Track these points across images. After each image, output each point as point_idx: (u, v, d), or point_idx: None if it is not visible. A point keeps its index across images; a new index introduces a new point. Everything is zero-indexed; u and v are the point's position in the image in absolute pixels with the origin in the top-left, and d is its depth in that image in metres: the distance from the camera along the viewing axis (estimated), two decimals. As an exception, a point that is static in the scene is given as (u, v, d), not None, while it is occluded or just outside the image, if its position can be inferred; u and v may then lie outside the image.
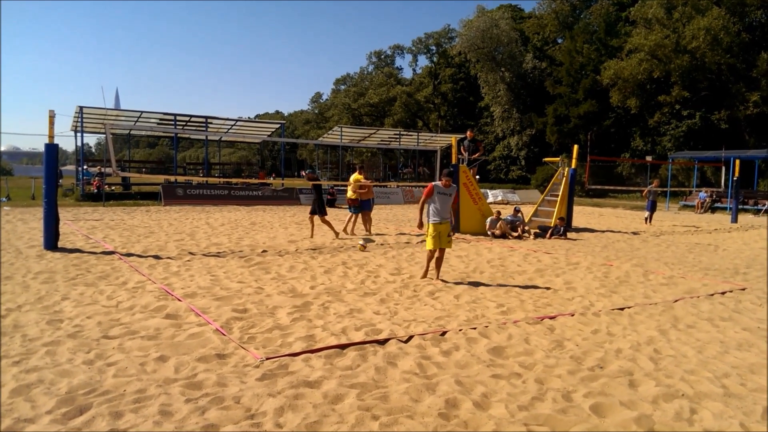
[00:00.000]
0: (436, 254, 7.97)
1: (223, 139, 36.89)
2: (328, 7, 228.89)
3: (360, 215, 13.93)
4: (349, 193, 13.85)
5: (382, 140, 39.08)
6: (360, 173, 13.99)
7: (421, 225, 8.12)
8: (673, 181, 33.54)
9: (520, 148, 49.20)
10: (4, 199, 23.15)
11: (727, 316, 6.47)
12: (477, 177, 16.24)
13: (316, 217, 12.80)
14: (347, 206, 14.35)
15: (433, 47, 64.33)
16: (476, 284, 7.85)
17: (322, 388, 4.01)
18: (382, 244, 11.96)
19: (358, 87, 68.60)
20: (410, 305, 6.57)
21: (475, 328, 5.58)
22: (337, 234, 12.83)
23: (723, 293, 7.74)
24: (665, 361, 4.84)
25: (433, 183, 7.95)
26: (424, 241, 12.49)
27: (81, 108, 24.73)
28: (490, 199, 28.96)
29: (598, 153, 40.07)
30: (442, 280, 7.97)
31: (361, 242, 11.01)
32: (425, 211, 8.04)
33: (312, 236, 12.80)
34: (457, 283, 7.84)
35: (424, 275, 8.10)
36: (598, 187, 25.41)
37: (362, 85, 69.09)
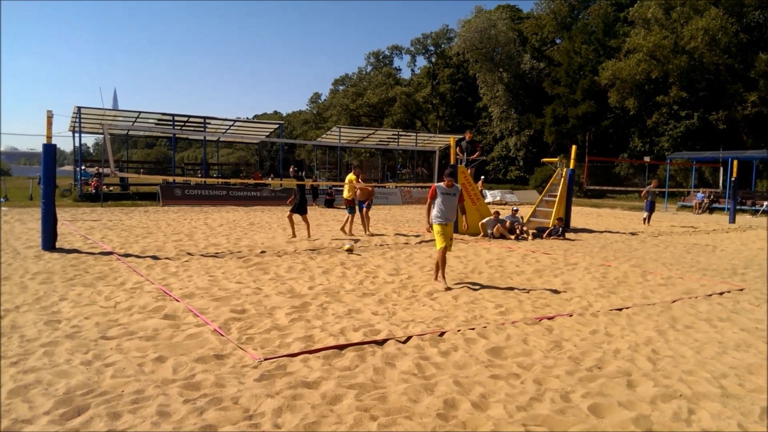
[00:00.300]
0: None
1: (221, 139, 36.85)
2: (327, 8, 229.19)
3: (360, 215, 13.93)
4: (345, 194, 13.85)
5: (380, 141, 39.08)
6: (354, 173, 13.97)
7: (430, 228, 7.86)
8: (672, 181, 33.60)
9: (519, 149, 49.21)
10: (2, 199, 23.12)
11: (725, 316, 6.48)
12: (482, 178, 16.24)
13: (306, 215, 12.73)
14: (345, 206, 14.34)
15: (432, 48, 64.38)
16: (475, 285, 7.85)
17: (321, 389, 4.01)
18: (380, 245, 11.96)
19: (357, 87, 68.60)
20: (409, 306, 6.57)
21: (473, 329, 5.58)
22: (293, 236, 12.60)
23: (721, 294, 7.75)
24: (663, 361, 4.84)
25: (436, 184, 7.81)
26: (423, 242, 12.60)
27: (79, 108, 24.69)
28: (489, 200, 28.98)
29: (597, 153, 40.09)
30: (438, 280, 7.88)
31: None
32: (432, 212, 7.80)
33: (309, 236, 12.76)
34: (455, 284, 7.84)
35: (440, 278, 7.74)
36: (597, 187, 25.41)
37: (361, 85, 69.09)
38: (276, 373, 4.29)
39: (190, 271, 8.37)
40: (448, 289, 7.47)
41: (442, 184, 7.75)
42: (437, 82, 60.78)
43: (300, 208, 12.58)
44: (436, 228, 7.66)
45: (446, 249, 7.69)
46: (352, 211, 13.77)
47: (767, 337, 5.66)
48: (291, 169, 13.75)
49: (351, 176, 13.85)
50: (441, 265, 7.73)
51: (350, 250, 10.68)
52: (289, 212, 12.76)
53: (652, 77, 36.43)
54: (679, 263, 10.50)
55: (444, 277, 7.71)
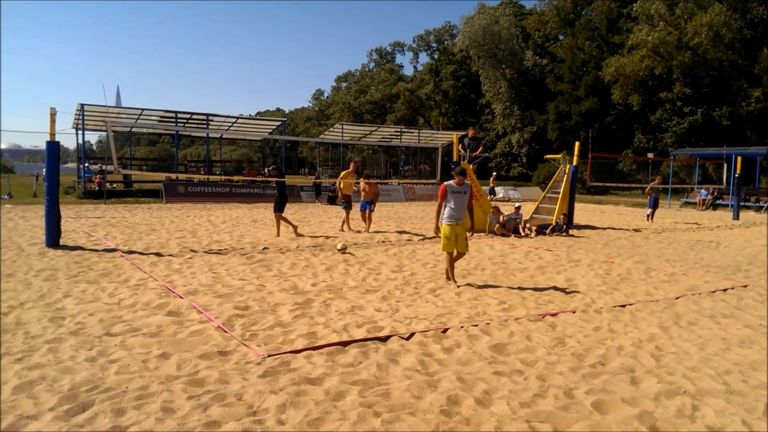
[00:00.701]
0: (455, 255, 7.55)
1: (224, 136, 36.91)
2: (330, 5, 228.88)
3: (362, 214, 13.87)
4: (344, 187, 13.77)
5: (383, 137, 39.03)
6: (352, 169, 13.83)
7: (438, 230, 7.54)
8: (675, 178, 33.50)
9: (522, 145, 49.14)
10: (5, 196, 23.18)
11: (729, 313, 6.47)
12: (494, 174, 16.14)
13: (280, 213, 12.50)
14: (340, 202, 14.22)
15: (434, 44, 64.26)
16: (477, 281, 7.84)
17: (324, 385, 4.01)
18: (383, 242, 11.96)
19: (360, 84, 68.50)
20: (411, 302, 6.58)
21: (476, 325, 5.58)
22: (277, 235, 12.35)
23: (725, 290, 7.73)
24: (667, 358, 4.84)
25: (446, 183, 7.49)
26: (426, 239, 12.59)
27: (82, 105, 24.71)
28: (494, 196, 28.97)
29: (600, 150, 39.99)
30: (457, 283, 7.59)
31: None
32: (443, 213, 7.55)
33: (296, 233, 12.51)
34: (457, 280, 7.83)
35: (452, 279, 7.56)
36: (600, 184, 25.37)
37: (363, 82, 68.99)
38: (279, 370, 4.29)
39: (194, 268, 8.39)
40: (454, 283, 7.44)
41: (452, 182, 7.47)
42: (440, 78, 60.69)
43: (280, 206, 12.33)
44: (445, 230, 7.42)
45: (452, 254, 7.48)
46: (346, 207, 13.69)
47: (771, 333, 5.64)
48: (266, 170, 13.36)
49: (344, 172, 13.85)
50: (449, 268, 7.57)
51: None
52: (275, 213, 12.47)
53: (655, 73, 36.29)
54: (682, 260, 10.48)
55: (453, 278, 7.57)
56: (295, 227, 12.61)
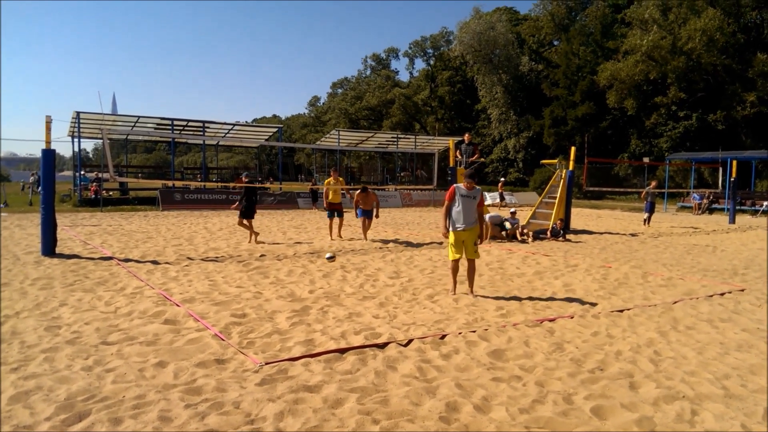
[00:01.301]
0: (466, 265, 7.24)
1: (220, 143, 36.87)
2: (325, 11, 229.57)
3: (362, 223, 13.71)
4: (331, 197, 13.53)
5: (379, 143, 39.14)
6: (333, 176, 13.53)
7: (446, 233, 7.22)
8: (671, 182, 33.61)
9: (518, 151, 49.26)
10: (1, 205, 23.10)
11: (727, 317, 6.47)
12: (502, 180, 16.03)
13: (251, 220, 12.46)
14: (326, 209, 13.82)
15: (430, 50, 64.49)
16: (475, 287, 7.81)
17: (322, 393, 4.00)
18: (380, 248, 11.95)
19: (356, 90, 68.68)
20: (409, 309, 6.56)
21: (474, 331, 5.57)
22: (256, 239, 12.32)
23: (722, 294, 7.74)
24: (665, 362, 4.83)
25: (455, 185, 7.17)
26: (423, 245, 12.58)
27: (78, 113, 24.69)
28: (488, 202, 28.99)
29: (596, 155, 40.09)
30: (475, 294, 7.29)
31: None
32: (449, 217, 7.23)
33: (252, 241, 12.36)
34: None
35: (453, 290, 7.31)
36: (596, 188, 25.46)
37: (359, 88, 69.15)
38: (277, 378, 4.27)
39: (191, 276, 8.36)
40: (454, 293, 7.30)
41: (461, 185, 7.14)
42: (436, 84, 60.85)
43: (247, 213, 12.28)
44: (451, 237, 7.15)
45: (458, 263, 7.23)
46: (331, 215, 13.45)
47: (769, 337, 5.65)
48: (244, 179, 13.07)
49: (327, 180, 13.54)
50: (452, 276, 7.38)
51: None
52: (244, 219, 12.36)
53: (650, 78, 36.49)
54: (679, 264, 10.50)
55: (454, 283, 7.38)
56: (250, 233, 12.50)
